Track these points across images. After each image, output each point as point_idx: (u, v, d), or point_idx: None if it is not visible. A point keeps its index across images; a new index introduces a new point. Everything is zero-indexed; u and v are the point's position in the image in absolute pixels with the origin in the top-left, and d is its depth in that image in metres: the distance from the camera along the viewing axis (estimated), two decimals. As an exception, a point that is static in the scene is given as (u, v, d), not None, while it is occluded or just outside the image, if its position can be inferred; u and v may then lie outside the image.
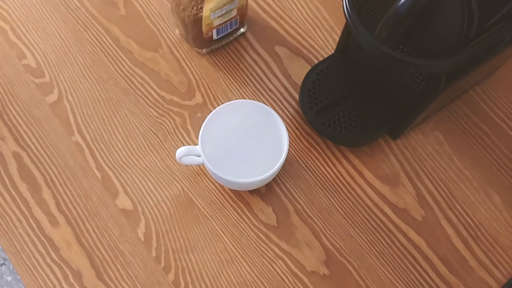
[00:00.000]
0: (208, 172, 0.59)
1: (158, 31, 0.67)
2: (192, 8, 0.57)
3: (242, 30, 0.66)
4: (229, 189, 0.59)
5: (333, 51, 0.66)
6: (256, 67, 0.66)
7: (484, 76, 0.64)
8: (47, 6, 0.69)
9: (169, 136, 0.62)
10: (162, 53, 0.66)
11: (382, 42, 0.44)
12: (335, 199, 0.59)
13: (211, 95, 0.64)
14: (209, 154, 0.55)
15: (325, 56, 0.66)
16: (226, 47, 0.67)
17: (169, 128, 0.62)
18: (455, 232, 0.58)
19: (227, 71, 0.65)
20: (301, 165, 0.61)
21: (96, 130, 0.62)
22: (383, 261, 0.57)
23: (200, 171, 0.60)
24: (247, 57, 0.66)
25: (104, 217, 0.58)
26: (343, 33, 0.61)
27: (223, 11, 0.59)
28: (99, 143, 0.61)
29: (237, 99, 0.64)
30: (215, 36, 0.63)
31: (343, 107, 0.61)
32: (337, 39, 0.67)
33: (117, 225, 0.58)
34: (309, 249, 0.57)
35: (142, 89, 0.64)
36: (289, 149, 0.60)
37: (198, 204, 0.59)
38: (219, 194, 0.59)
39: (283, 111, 0.64)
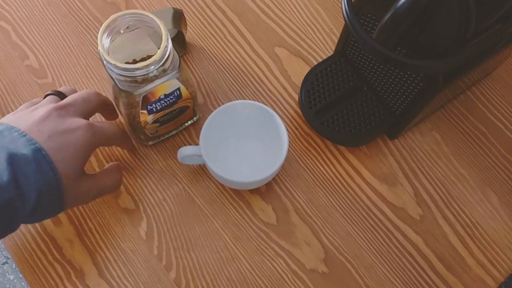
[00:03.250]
0: (209, 172, 0.60)
1: (159, 32, 0.68)
2: (129, 117, 0.54)
3: (192, 120, 0.62)
4: (230, 188, 0.60)
5: (332, 53, 0.67)
6: (256, 68, 0.66)
7: (481, 76, 0.65)
8: (49, 7, 0.69)
9: (170, 137, 0.62)
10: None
11: (381, 44, 0.45)
12: (334, 198, 0.60)
13: (211, 96, 0.65)
14: (210, 154, 0.55)
15: (324, 57, 0.66)
16: (226, 46, 0.67)
17: (170, 128, 0.63)
18: (452, 231, 0.59)
19: (227, 72, 0.66)
20: (301, 165, 0.61)
21: (98, 130, 0.62)
22: (381, 259, 0.57)
23: (201, 170, 0.61)
24: (247, 58, 0.67)
25: (106, 216, 0.58)
26: (342, 34, 0.62)
27: (165, 118, 0.56)
28: (101, 143, 0.62)
29: (237, 99, 0.64)
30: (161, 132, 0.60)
31: (342, 107, 0.61)
32: (336, 40, 0.67)
33: (119, 223, 0.58)
34: (308, 247, 0.58)
35: (144, 90, 0.65)
36: (288, 149, 0.61)
37: (199, 203, 0.59)
38: (220, 193, 0.60)
39: (283, 111, 0.64)
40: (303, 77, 0.63)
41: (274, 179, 0.61)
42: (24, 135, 0.45)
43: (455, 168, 0.62)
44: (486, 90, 0.66)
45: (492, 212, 0.60)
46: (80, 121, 0.50)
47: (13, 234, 0.57)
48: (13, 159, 0.43)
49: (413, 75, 0.54)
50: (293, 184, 0.60)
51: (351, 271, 0.57)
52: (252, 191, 0.60)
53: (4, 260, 1.29)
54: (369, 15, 0.54)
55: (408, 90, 0.56)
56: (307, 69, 0.65)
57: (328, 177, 0.61)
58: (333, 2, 0.71)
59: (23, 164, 0.44)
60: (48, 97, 0.53)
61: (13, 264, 1.28)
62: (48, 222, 0.58)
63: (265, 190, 0.60)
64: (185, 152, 0.56)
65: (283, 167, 0.61)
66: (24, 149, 0.44)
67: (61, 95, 0.54)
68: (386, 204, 0.60)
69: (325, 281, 0.56)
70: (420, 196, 0.60)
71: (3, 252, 1.29)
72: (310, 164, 0.61)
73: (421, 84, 0.53)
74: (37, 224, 0.58)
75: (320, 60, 0.67)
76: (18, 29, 0.68)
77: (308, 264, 0.57)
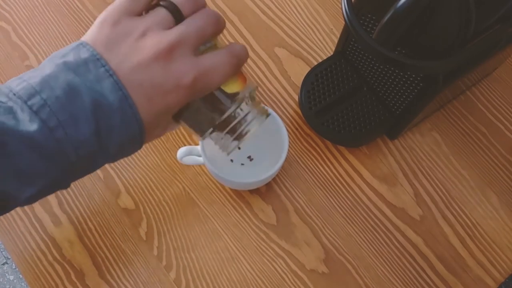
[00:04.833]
0: (208, 172, 0.60)
1: (159, 32, 0.68)
2: None
3: None
4: (230, 188, 0.60)
5: (332, 53, 0.67)
6: (256, 69, 0.66)
7: (481, 77, 0.65)
8: (49, 7, 0.69)
9: (170, 137, 0.62)
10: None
11: (380, 44, 0.45)
12: (334, 199, 0.60)
13: (211, 96, 0.64)
14: (209, 154, 0.55)
15: (324, 57, 0.66)
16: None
17: (170, 129, 0.63)
18: (452, 231, 0.59)
19: (227, 72, 0.66)
20: (301, 165, 0.61)
21: (98, 130, 0.62)
22: (381, 259, 0.57)
23: (201, 171, 0.61)
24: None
25: (106, 216, 0.58)
26: (342, 35, 0.62)
27: None
28: (101, 143, 0.62)
29: (237, 100, 0.64)
30: None
31: (342, 108, 0.61)
32: (336, 41, 0.67)
33: (119, 224, 0.58)
34: (308, 247, 0.58)
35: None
36: (288, 149, 0.61)
37: (199, 204, 0.59)
38: (220, 194, 0.60)
39: (283, 112, 0.64)
40: (303, 78, 0.63)
41: (274, 179, 0.60)
42: (111, 75, 0.37)
43: (455, 168, 0.62)
44: (486, 90, 0.66)
45: (492, 212, 0.60)
46: (185, 74, 0.39)
47: (13, 234, 0.57)
48: (97, 108, 0.37)
49: (413, 76, 0.54)
50: (293, 184, 0.60)
51: (351, 272, 0.57)
52: (252, 192, 0.60)
53: (4, 261, 1.29)
54: (369, 15, 0.54)
55: (408, 91, 0.56)
56: (307, 69, 0.65)
57: (328, 177, 0.61)
58: (333, 2, 0.71)
59: (108, 114, 0.37)
60: (159, 18, 0.40)
61: (13, 265, 1.28)
62: (48, 222, 0.58)
63: (265, 190, 0.60)
64: (185, 152, 0.56)
65: (283, 168, 0.61)
66: (110, 95, 0.37)
67: (177, 14, 0.40)
68: (386, 204, 0.60)
69: (325, 281, 0.56)
70: (420, 197, 0.60)
71: (3, 252, 1.29)
72: (310, 164, 0.61)
73: (421, 84, 0.53)
74: (37, 224, 0.58)
75: (320, 60, 0.67)
76: (18, 30, 0.68)
77: (308, 265, 0.57)
